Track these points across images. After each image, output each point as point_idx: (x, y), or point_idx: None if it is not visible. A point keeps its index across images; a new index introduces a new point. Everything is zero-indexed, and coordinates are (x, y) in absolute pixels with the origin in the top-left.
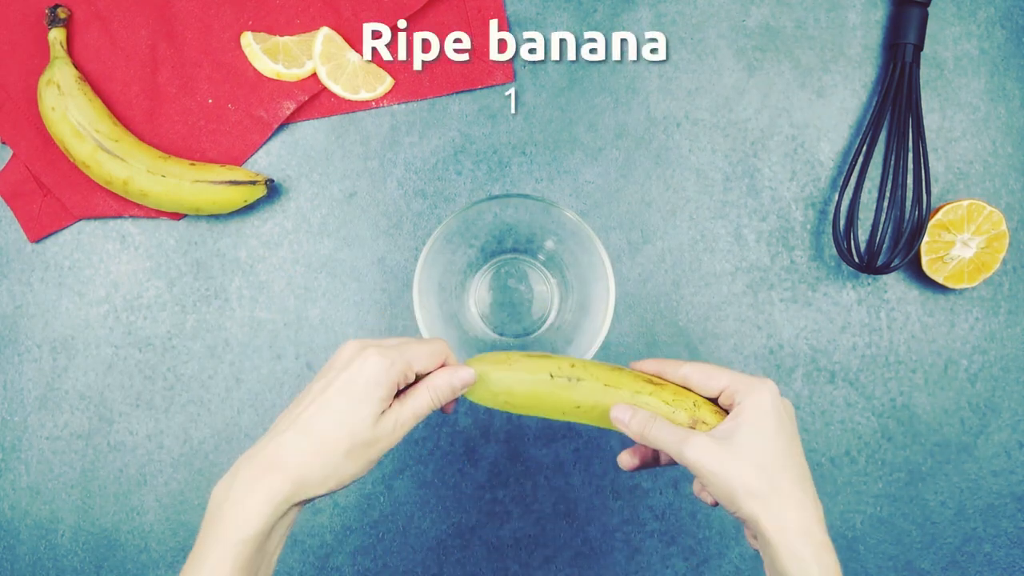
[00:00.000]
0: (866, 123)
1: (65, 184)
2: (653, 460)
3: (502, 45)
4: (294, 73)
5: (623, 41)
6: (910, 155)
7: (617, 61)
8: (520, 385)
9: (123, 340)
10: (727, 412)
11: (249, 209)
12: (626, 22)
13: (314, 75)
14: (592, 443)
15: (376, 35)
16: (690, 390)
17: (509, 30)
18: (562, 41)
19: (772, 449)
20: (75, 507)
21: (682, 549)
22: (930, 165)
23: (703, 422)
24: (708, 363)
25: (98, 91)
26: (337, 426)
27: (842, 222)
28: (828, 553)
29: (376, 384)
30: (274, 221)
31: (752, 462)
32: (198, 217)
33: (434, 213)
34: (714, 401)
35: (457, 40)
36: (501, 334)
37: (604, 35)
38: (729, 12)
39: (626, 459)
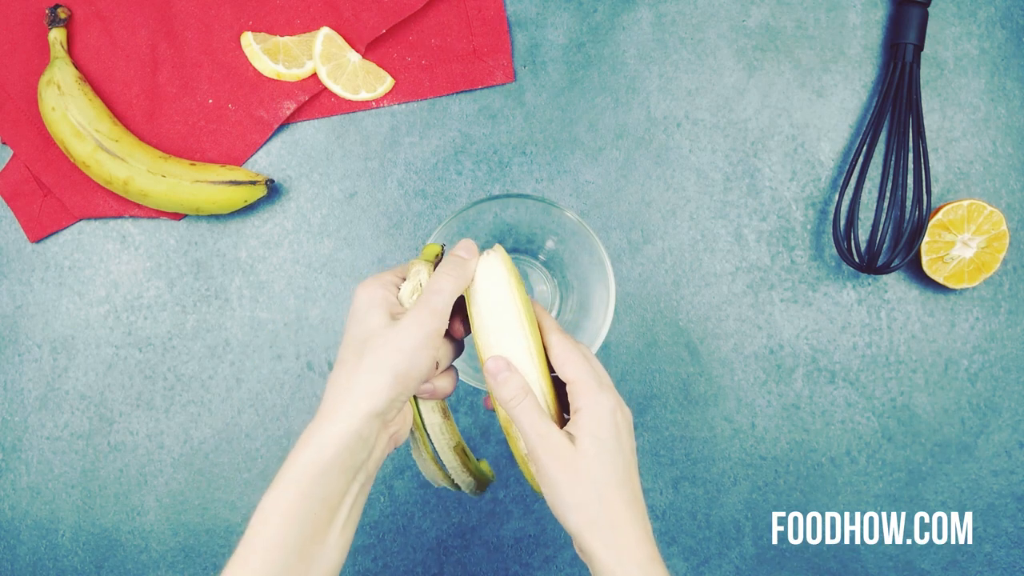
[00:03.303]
0: (866, 123)
1: (65, 184)
2: None
3: (502, 45)
4: (294, 73)
5: (623, 41)
6: (910, 155)
7: (617, 61)
8: None
9: (123, 340)
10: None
11: (249, 209)
12: (626, 22)
13: (314, 75)
14: None
15: (376, 35)
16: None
17: (509, 30)
18: (562, 41)
19: (611, 468)
20: (75, 507)
21: (682, 549)
22: (930, 165)
23: None
24: (572, 345)
25: (98, 91)
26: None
27: (842, 222)
28: (655, 565)
29: (367, 300)
30: (274, 221)
31: (590, 479)
32: (198, 217)
33: (434, 213)
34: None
35: (457, 40)
36: None
37: (604, 35)
38: (729, 12)
39: (490, 403)
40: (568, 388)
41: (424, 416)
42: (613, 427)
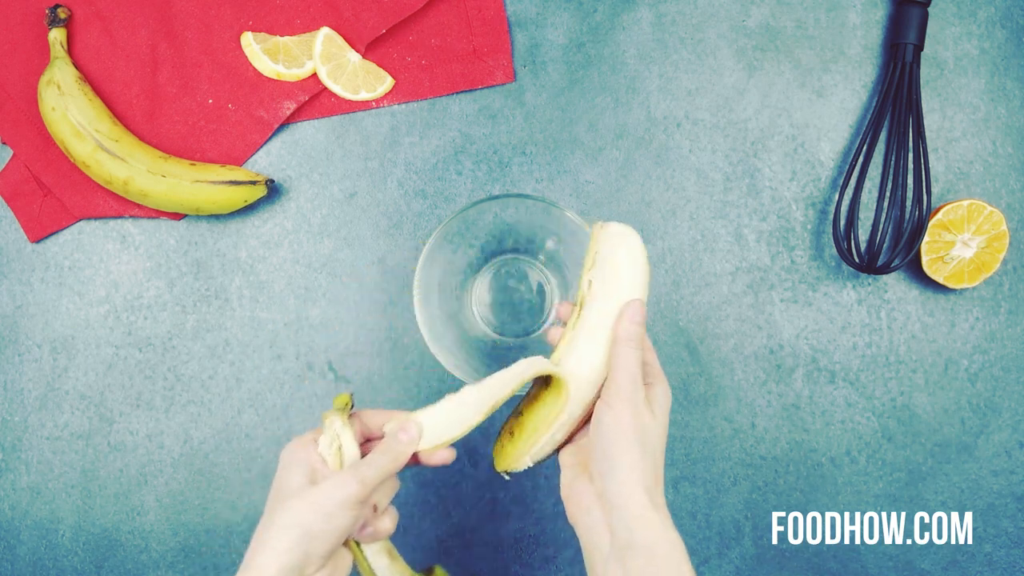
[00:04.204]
0: (866, 123)
1: (65, 184)
2: None
3: (502, 45)
4: (294, 73)
5: (623, 41)
6: (910, 155)
7: (617, 61)
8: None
9: (123, 340)
10: None
11: (249, 209)
12: (626, 22)
13: (314, 75)
14: None
15: (376, 35)
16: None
17: (509, 30)
18: (562, 41)
19: (661, 445)
20: (75, 507)
21: None
22: (930, 165)
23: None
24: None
25: (98, 91)
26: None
27: (842, 222)
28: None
29: (287, 460)
30: (274, 221)
31: (650, 441)
32: (198, 217)
33: (434, 213)
34: None
35: (457, 40)
36: (501, 334)
37: (604, 35)
38: (729, 12)
39: (555, 335)
40: (645, 367)
41: (371, 560)
42: (668, 413)
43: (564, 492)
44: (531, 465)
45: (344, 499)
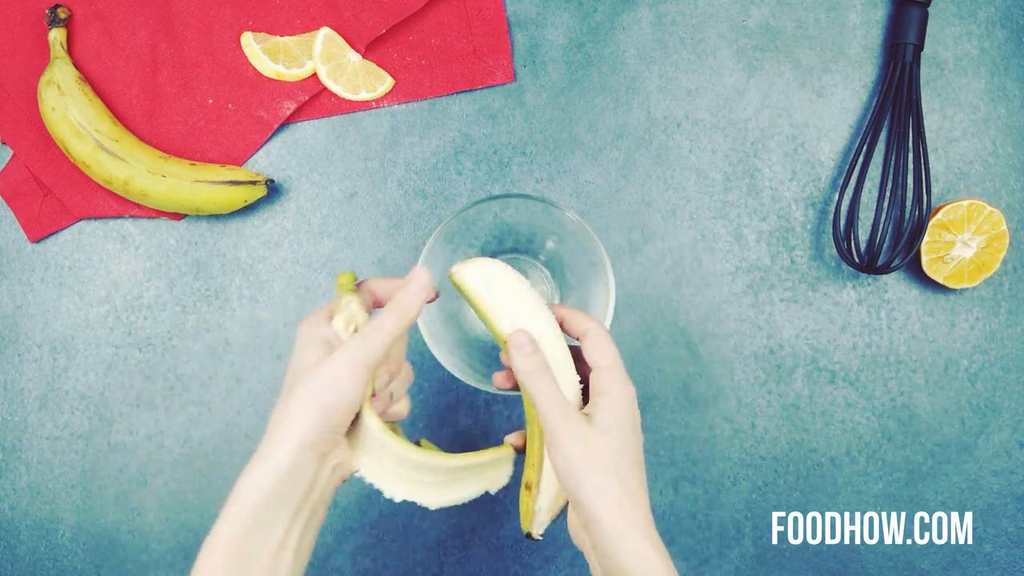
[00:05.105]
0: (866, 123)
1: (65, 184)
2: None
3: (502, 45)
4: (294, 73)
5: (623, 41)
6: (910, 155)
7: (617, 61)
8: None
9: (123, 340)
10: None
11: (249, 209)
12: (626, 22)
13: (314, 75)
14: None
15: (376, 35)
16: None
17: (509, 30)
18: (562, 41)
19: (630, 450)
20: (75, 507)
21: (682, 549)
22: (930, 165)
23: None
24: (605, 331)
25: (98, 91)
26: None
27: (842, 222)
28: (660, 546)
29: (303, 339)
30: (274, 221)
31: (609, 455)
32: (198, 217)
33: (434, 213)
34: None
35: (457, 40)
36: None
37: (604, 35)
38: (729, 12)
39: (501, 380)
40: (597, 373)
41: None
42: (632, 416)
43: (571, 532)
44: (547, 524)
45: (353, 367)
